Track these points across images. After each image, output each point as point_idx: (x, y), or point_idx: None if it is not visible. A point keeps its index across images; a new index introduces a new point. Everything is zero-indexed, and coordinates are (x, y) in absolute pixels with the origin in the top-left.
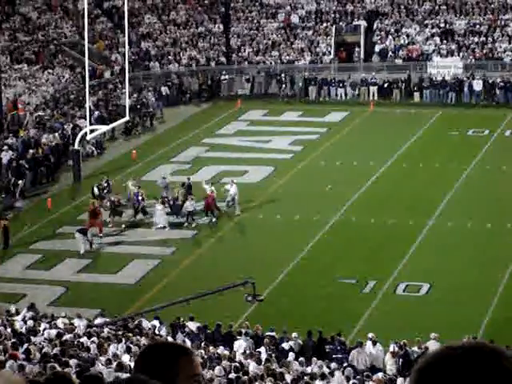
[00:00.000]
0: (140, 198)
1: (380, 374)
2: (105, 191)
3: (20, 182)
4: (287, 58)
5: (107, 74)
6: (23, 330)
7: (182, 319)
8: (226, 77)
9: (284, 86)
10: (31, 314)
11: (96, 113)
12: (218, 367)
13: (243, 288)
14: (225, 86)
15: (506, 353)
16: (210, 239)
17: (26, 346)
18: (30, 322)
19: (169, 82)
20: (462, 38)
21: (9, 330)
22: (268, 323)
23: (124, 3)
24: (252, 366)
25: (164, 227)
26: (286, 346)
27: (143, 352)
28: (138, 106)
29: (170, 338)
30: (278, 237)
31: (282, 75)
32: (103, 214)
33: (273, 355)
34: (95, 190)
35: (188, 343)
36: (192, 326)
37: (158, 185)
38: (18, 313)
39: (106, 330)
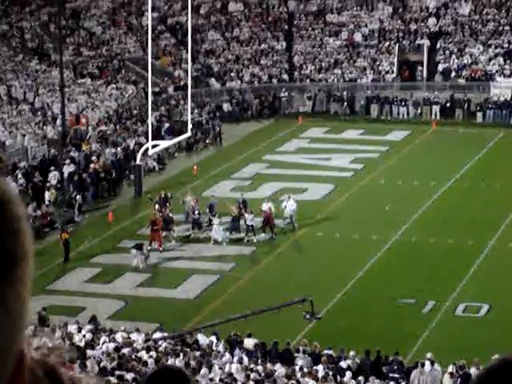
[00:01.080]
0: (197, 212)
1: None
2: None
3: (78, 196)
4: (349, 75)
5: (170, 90)
6: (82, 344)
7: (238, 335)
8: (286, 94)
9: (346, 104)
10: (91, 327)
11: (166, 124)
12: None
13: (301, 306)
14: (284, 103)
15: None
16: (268, 256)
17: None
18: (89, 335)
19: (233, 99)
20: None
21: (67, 342)
22: (326, 341)
23: (188, 20)
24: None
25: (221, 242)
26: (343, 364)
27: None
28: (202, 122)
29: (227, 354)
30: (336, 255)
31: (344, 93)
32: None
33: (330, 373)
34: (156, 205)
35: (245, 360)
36: (250, 342)
37: (208, 203)
38: (78, 326)
39: (164, 344)
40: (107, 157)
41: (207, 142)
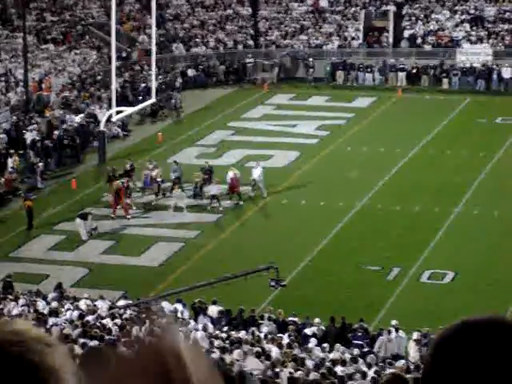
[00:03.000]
0: (159, 180)
1: (402, 361)
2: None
3: (40, 163)
4: (315, 42)
5: (135, 56)
6: (45, 311)
7: (203, 302)
8: (252, 60)
9: (312, 70)
10: (56, 294)
11: (142, 85)
12: (236, 351)
13: (267, 273)
14: (249, 69)
15: None
16: (233, 223)
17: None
18: (54, 303)
19: (199, 66)
20: (492, 25)
21: (31, 310)
22: (291, 309)
23: None
24: (274, 351)
25: (182, 209)
26: (308, 331)
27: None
28: (164, 88)
29: (192, 322)
30: (302, 222)
31: (310, 59)
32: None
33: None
34: (109, 173)
35: (210, 327)
36: (214, 309)
37: (171, 169)
38: (39, 293)
39: (128, 311)
40: (70, 123)
41: (163, 113)
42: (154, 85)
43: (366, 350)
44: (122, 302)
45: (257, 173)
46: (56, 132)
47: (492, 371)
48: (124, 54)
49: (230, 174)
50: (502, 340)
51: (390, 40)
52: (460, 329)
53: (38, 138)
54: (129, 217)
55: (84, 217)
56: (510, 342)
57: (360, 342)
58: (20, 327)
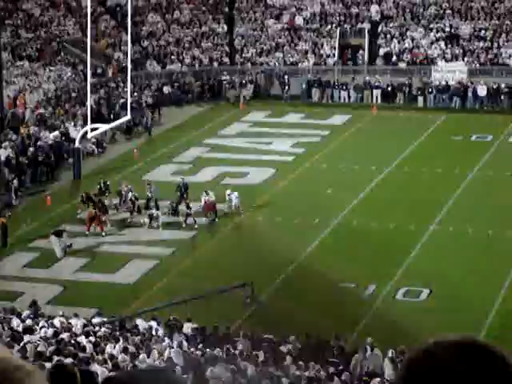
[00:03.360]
0: (132, 195)
1: (378, 379)
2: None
3: (15, 180)
4: (291, 59)
5: (109, 73)
6: (20, 328)
7: (177, 320)
8: (227, 77)
9: (287, 87)
10: (31, 312)
11: (121, 100)
12: (210, 369)
13: (242, 290)
14: (225, 86)
15: (494, 348)
16: (208, 240)
17: (21, 344)
18: (29, 321)
19: (175, 82)
20: (467, 43)
21: (6, 327)
22: (266, 326)
23: (128, 1)
24: (250, 369)
25: (157, 226)
26: (284, 349)
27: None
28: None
29: (166, 339)
30: (277, 239)
31: (285, 77)
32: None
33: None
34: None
35: (185, 344)
36: (189, 327)
37: (147, 189)
38: (13, 310)
39: (103, 329)
40: (45, 140)
41: (138, 130)
42: (129, 101)
43: (341, 368)
44: (96, 320)
45: (233, 199)
46: (31, 149)
47: None
48: (99, 71)
49: (203, 199)
50: (473, 361)
51: (366, 58)
52: (431, 350)
53: (11, 155)
54: (104, 234)
55: (59, 234)
56: (480, 363)
57: (336, 360)
58: (0, 356)
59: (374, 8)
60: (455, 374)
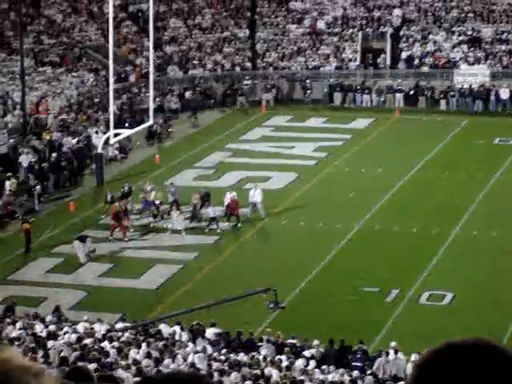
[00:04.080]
0: (158, 202)
1: (402, 383)
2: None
3: (38, 186)
4: (313, 63)
5: (132, 78)
6: (43, 334)
7: (201, 325)
8: (249, 82)
9: (309, 91)
10: (55, 317)
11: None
12: (234, 374)
13: (265, 295)
14: (247, 91)
15: (506, 349)
16: (232, 245)
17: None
18: (52, 326)
19: (197, 87)
20: (490, 46)
21: (29, 333)
22: (289, 331)
23: (149, 7)
24: (274, 374)
25: (180, 231)
26: (307, 353)
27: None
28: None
29: (190, 344)
30: (300, 244)
31: (307, 81)
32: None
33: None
34: (108, 196)
35: (209, 349)
36: (212, 332)
37: (166, 192)
38: (37, 316)
39: (126, 334)
40: (68, 145)
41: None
42: (151, 107)
43: (364, 372)
44: (120, 325)
45: (255, 195)
46: (53, 154)
47: None
48: (122, 76)
49: (229, 196)
50: (485, 363)
51: (388, 61)
52: (444, 351)
53: (34, 160)
54: (126, 239)
55: (83, 239)
56: (492, 364)
57: (359, 364)
58: (6, 356)
59: (396, 12)
60: (467, 375)
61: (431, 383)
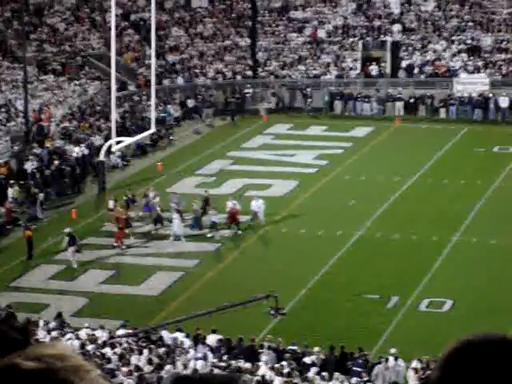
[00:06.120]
0: (158, 207)
1: None
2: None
3: (41, 194)
4: (313, 72)
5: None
6: (46, 340)
7: (201, 332)
8: (250, 90)
9: (310, 100)
10: (57, 323)
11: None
12: None
13: (266, 302)
14: (248, 99)
15: None
16: (233, 252)
17: None
18: (55, 333)
19: (198, 95)
20: (489, 55)
21: (32, 340)
22: (290, 337)
23: (152, 16)
24: (277, 381)
25: (179, 239)
26: (308, 360)
27: None
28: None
29: (192, 351)
30: (301, 251)
31: (308, 89)
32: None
33: (295, 369)
34: (110, 203)
35: (210, 356)
36: (213, 338)
37: (170, 199)
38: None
39: (128, 341)
40: (70, 153)
41: (163, 143)
42: (153, 115)
43: (365, 378)
44: (121, 332)
45: (256, 205)
46: (56, 162)
47: None
48: (124, 85)
49: (230, 204)
50: (506, 358)
51: (388, 70)
52: (466, 348)
53: (36, 168)
54: (123, 247)
55: (73, 240)
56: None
57: (360, 369)
58: (59, 353)
59: (396, 23)
60: (491, 371)
61: (456, 380)
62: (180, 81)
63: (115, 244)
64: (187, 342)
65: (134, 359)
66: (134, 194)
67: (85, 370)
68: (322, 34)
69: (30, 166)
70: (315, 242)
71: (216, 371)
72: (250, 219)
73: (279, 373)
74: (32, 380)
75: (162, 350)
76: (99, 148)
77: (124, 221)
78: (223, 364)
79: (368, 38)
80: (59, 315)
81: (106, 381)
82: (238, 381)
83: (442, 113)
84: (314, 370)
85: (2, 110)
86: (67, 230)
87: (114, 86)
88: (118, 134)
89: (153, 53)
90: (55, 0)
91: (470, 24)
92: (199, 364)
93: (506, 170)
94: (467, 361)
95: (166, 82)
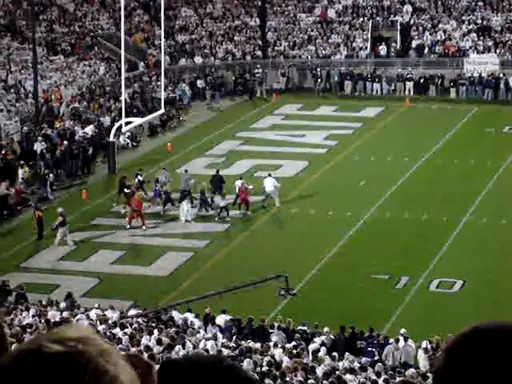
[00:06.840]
0: (169, 189)
1: (411, 370)
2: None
3: (51, 175)
4: (323, 52)
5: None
6: (57, 319)
7: (211, 312)
8: (260, 71)
9: (319, 80)
10: (67, 304)
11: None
12: (246, 360)
13: (276, 282)
14: (258, 80)
15: None
16: (243, 233)
17: None
18: (65, 313)
19: (208, 76)
20: (499, 35)
21: (43, 320)
22: (300, 317)
23: None
24: (285, 360)
25: (189, 220)
26: (318, 340)
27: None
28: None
29: (202, 331)
30: (311, 231)
31: (318, 69)
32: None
33: (305, 350)
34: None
35: (219, 336)
36: (223, 319)
37: (180, 179)
38: (51, 303)
39: (138, 321)
40: (80, 134)
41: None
42: (163, 95)
43: (375, 358)
44: (132, 312)
45: (269, 184)
46: (65, 143)
47: (505, 378)
48: (133, 65)
49: (238, 184)
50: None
51: (398, 50)
52: (472, 335)
53: (45, 148)
54: (128, 226)
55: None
56: None
57: (372, 350)
58: (82, 335)
59: (406, 3)
60: (496, 360)
61: (460, 368)
62: (198, 60)
63: (127, 226)
64: (197, 323)
65: (144, 340)
66: (142, 174)
67: (108, 352)
68: (331, 13)
69: (39, 146)
70: (325, 222)
71: (226, 352)
72: (262, 199)
73: (289, 353)
74: (56, 363)
75: (172, 331)
76: (109, 129)
77: (141, 205)
78: (233, 344)
79: (378, 18)
80: (69, 295)
81: (128, 363)
82: (225, 362)
83: (452, 93)
84: (323, 350)
85: (12, 90)
86: (60, 209)
87: (123, 67)
88: (128, 115)
89: (162, 33)
90: None
91: (480, 4)
92: (209, 344)
93: None
94: (474, 349)
95: (182, 61)
